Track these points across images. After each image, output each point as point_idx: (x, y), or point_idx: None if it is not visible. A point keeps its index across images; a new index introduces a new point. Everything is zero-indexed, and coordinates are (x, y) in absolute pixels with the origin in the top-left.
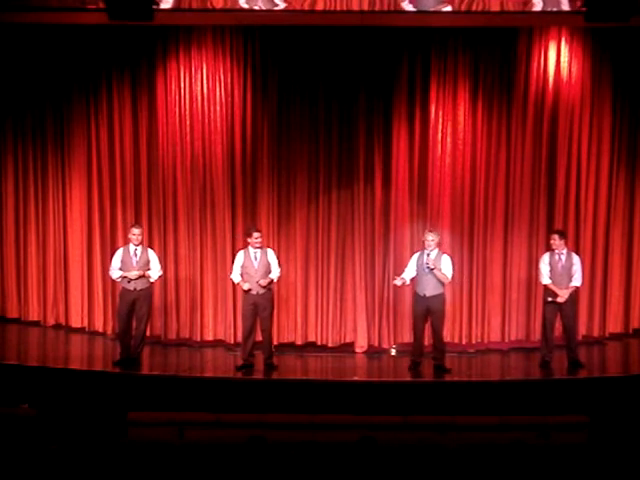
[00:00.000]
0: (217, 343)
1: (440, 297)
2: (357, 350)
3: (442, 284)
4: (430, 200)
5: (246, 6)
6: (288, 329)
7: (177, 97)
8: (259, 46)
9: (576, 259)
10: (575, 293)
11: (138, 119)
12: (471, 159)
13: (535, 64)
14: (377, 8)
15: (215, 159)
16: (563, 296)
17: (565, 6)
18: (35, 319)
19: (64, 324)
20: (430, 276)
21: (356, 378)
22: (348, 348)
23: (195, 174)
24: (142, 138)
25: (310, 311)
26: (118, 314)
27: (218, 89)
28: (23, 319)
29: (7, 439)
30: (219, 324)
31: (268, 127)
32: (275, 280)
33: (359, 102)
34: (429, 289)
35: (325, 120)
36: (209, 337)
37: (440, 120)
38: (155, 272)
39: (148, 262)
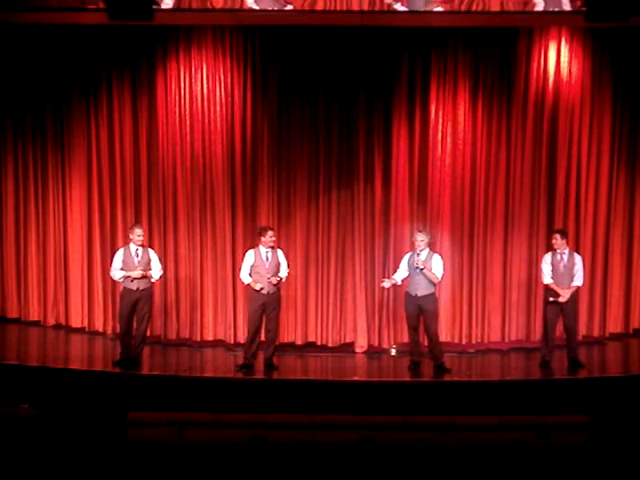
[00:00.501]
0: (217, 343)
1: (431, 297)
2: (357, 350)
3: (433, 284)
4: (430, 200)
5: (256, 7)
6: (288, 329)
7: (177, 97)
8: (259, 46)
9: (578, 259)
10: (575, 293)
11: (138, 119)
12: (471, 159)
13: (535, 64)
14: (377, 8)
15: (215, 159)
16: (565, 296)
17: (566, 6)
18: (35, 319)
19: (64, 324)
20: (421, 276)
21: (356, 378)
22: (348, 348)
23: (195, 174)
24: (142, 138)
25: (310, 311)
26: (120, 314)
27: (218, 89)
28: (23, 319)
29: (7, 439)
30: (219, 324)
31: (268, 127)
32: (284, 279)
33: (359, 102)
34: (420, 289)
35: (325, 120)
36: (209, 337)
37: (440, 120)
38: (156, 272)
39: (149, 262)
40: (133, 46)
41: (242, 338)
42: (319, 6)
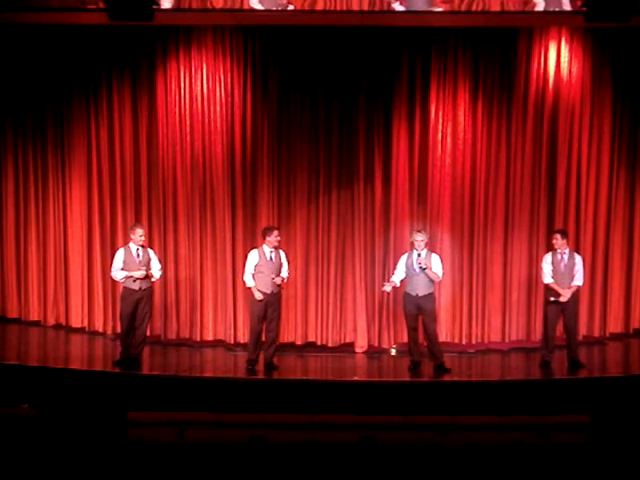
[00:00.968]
0: (217, 343)
1: (431, 296)
2: (357, 350)
3: (432, 284)
4: (430, 200)
5: (259, 7)
6: (288, 329)
7: (177, 97)
8: (259, 46)
9: (578, 259)
10: (576, 293)
11: (138, 119)
12: (471, 159)
13: (535, 64)
14: (377, 8)
15: (215, 159)
16: (566, 296)
17: (566, 6)
18: (35, 319)
19: (64, 324)
20: (421, 276)
21: (356, 378)
22: (348, 348)
23: (195, 174)
24: (142, 138)
25: (310, 311)
26: (121, 314)
27: (218, 89)
28: (23, 319)
29: (7, 439)
30: (219, 324)
31: (268, 127)
32: (285, 280)
33: (359, 102)
34: (420, 289)
35: (325, 120)
36: (209, 337)
37: (440, 120)
38: (156, 271)
39: (149, 262)
40: (133, 46)
41: (242, 338)
42: (319, 6)
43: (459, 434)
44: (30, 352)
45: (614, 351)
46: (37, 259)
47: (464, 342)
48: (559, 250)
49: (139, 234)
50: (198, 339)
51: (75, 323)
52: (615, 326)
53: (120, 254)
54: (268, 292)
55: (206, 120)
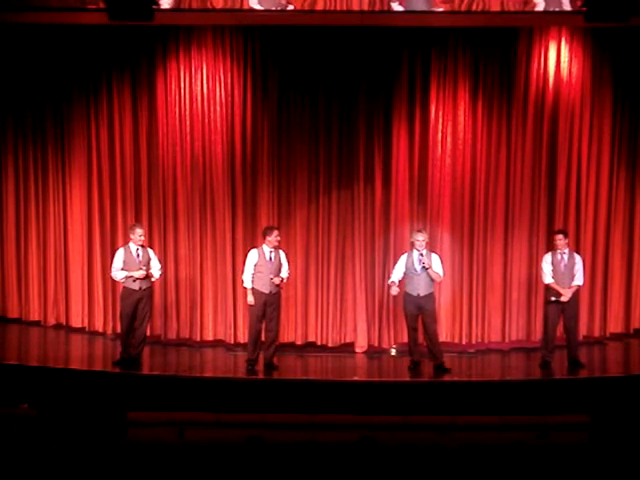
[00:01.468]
0: (217, 343)
1: (432, 296)
2: (357, 350)
3: (433, 283)
4: (430, 200)
5: (258, 7)
6: (288, 329)
7: (177, 97)
8: (259, 46)
9: (578, 258)
10: (576, 293)
11: (138, 119)
12: (471, 159)
13: (535, 64)
14: (377, 8)
15: (215, 159)
16: (566, 296)
17: (566, 6)
18: (36, 319)
19: (64, 324)
20: (422, 275)
21: (356, 378)
22: (348, 348)
23: (195, 174)
24: (142, 138)
25: (310, 311)
26: (122, 314)
27: (218, 89)
28: (24, 319)
29: (7, 439)
30: (219, 324)
31: (268, 127)
32: (285, 280)
33: (359, 102)
34: (422, 289)
35: (325, 120)
36: (209, 337)
37: (440, 120)
38: (156, 271)
39: (149, 261)
40: (133, 46)
41: (242, 338)
42: (319, 6)
43: (459, 434)
44: (30, 352)
45: (614, 351)
46: (37, 259)
47: (464, 342)
48: (559, 250)
49: (139, 234)
50: (198, 339)
51: (75, 323)
52: (615, 326)
53: (120, 254)
54: (267, 292)
55: (206, 120)
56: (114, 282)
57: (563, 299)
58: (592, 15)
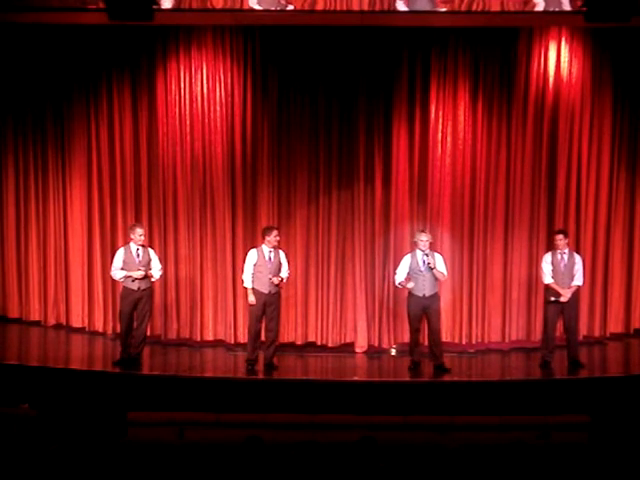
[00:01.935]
0: (217, 343)
1: (437, 296)
2: (357, 350)
3: (437, 283)
4: (430, 200)
5: (258, 7)
6: (288, 329)
7: (177, 97)
8: (259, 46)
9: (578, 258)
10: (576, 293)
11: (138, 119)
12: (471, 159)
13: (535, 64)
14: (377, 8)
15: (215, 159)
16: (566, 296)
17: (566, 6)
18: (36, 319)
19: (65, 324)
20: (427, 276)
21: (356, 378)
22: (348, 348)
23: (195, 174)
24: (142, 138)
25: (310, 311)
26: (121, 314)
27: (218, 89)
28: (24, 319)
29: (7, 439)
30: (219, 324)
31: (268, 127)
32: (284, 280)
33: (359, 102)
34: (427, 289)
35: (325, 120)
36: (209, 337)
37: (440, 120)
38: (156, 271)
39: (149, 261)
40: (133, 46)
41: (242, 338)
42: (319, 6)
43: (459, 434)
44: (30, 352)
45: (614, 351)
46: (37, 259)
47: (464, 342)
48: (559, 250)
49: (138, 233)
50: (198, 339)
51: (75, 323)
52: (615, 326)
53: (120, 253)
54: (266, 292)
55: (206, 120)
56: (114, 282)
57: (563, 299)
58: (592, 15)
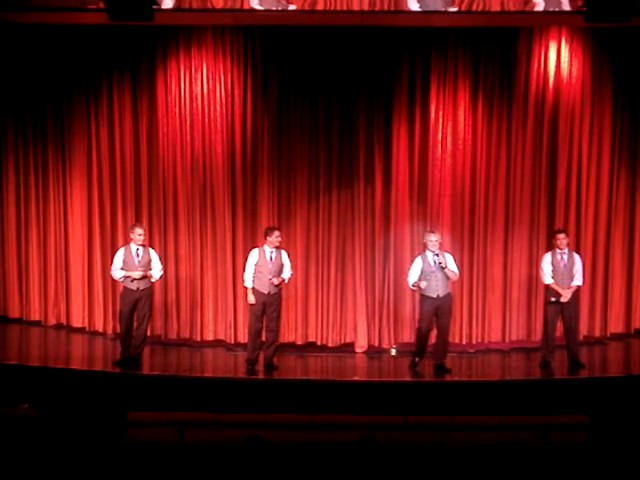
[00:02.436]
0: (217, 343)
1: (449, 296)
2: (357, 350)
3: (448, 283)
4: (430, 200)
5: (259, 7)
6: (288, 329)
7: (177, 97)
8: (259, 46)
9: (577, 258)
10: (576, 293)
11: (138, 119)
12: (471, 159)
13: (535, 64)
14: (377, 8)
15: (215, 159)
16: (566, 296)
17: (566, 6)
18: (36, 319)
19: (65, 324)
20: (439, 276)
21: (356, 378)
22: (348, 348)
23: (195, 174)
24: (142, 138)
25: (310, 311)
26: (120, 314)
27: (218, 89)
28: (24, 319)
29: (7, 439)
30: (219, 324)
31: (268, 127)
32: (286, 281)
33: (359, 102)
34: (440, 289)
35: (325, 120)
36: (209, 337)
37: (440, 120)
38: (157, 272)
39: (149, 262)
40: (133, 46)
41: (242, 338)
42: (319, 6)
43: (459, 434)
44: (31, 352)
45: (615, 351)
46: (38, 259)
47: (464, 342)
48: (559, 250)
49: (137, 233)
50: (198, 339)
51: (76, 323)
52: (616, 326)
53: (120, 253)
54: (265, 292)
55: (206, 120)
56: (114, 282)
57: (563, 299)
58: (592, 15)
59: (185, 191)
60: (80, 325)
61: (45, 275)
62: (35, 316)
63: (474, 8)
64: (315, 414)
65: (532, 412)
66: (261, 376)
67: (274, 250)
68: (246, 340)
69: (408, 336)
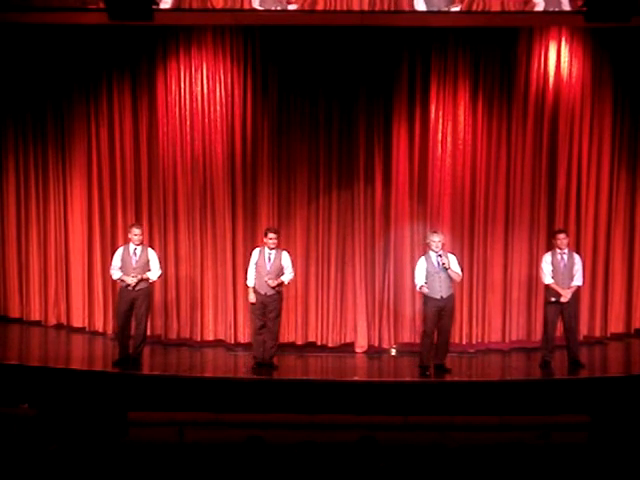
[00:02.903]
0: (217, 343)
1: (453, 297)
2: (357, 350)
3: (451, 283)
4: (430, 200)
5: (260, 7)
6: (288, 329)
7: (177, 97)
8: (259, 46)
9: (577, 258)
10: (576, 293)
11: (138, 119)
12: (471, 159)
13: (535, 64)
14: (377, 8)
15: (215, 159)
16: (566, 296)
17: (566, 6)
18: (36, 319)
19: (65, 324)
20: (443, 277)
21: (356, 378)
22: (348, 348)
23: (195, 174)
24: (142, 138)
25: (310, 311)
26: (117, 312)
27: (218, 89)
28: (25, 319)
29: (7, 439)
30: (219, 324)
31: (268, 127)
32: (286, 283)
33: (359, 102)
34: (444, 290)
35: (325, 120)
36: (209, 337)
37: (440, 120)
38: (154, 273)
39: (148, 262)
40: (133, 46)
41: (242, 338)
42: (319, 6)
43: (459, 434)
44: (31, 352)
45: (615, 351)
46: (38, 259)
47: (464, 342)
48: (559, 250)
49: (134, 233)
50: (198, 339)
51: (76, 323)
52: (616, 326)
53: (119, 253)
54: (262, 293)
55: (206, 120)
56: (114, 282)
57: (563, 300)
58: (592, 15)
59: (185, 191)
60: (80, 325)
61: (45, 275)
62: (35, 316)
63: (474, 8)
64: (315, 414)
65: (532, 412)
66: (261, 376)
67: (273, 251)
68: (246, 340)
69: (408, 336)
